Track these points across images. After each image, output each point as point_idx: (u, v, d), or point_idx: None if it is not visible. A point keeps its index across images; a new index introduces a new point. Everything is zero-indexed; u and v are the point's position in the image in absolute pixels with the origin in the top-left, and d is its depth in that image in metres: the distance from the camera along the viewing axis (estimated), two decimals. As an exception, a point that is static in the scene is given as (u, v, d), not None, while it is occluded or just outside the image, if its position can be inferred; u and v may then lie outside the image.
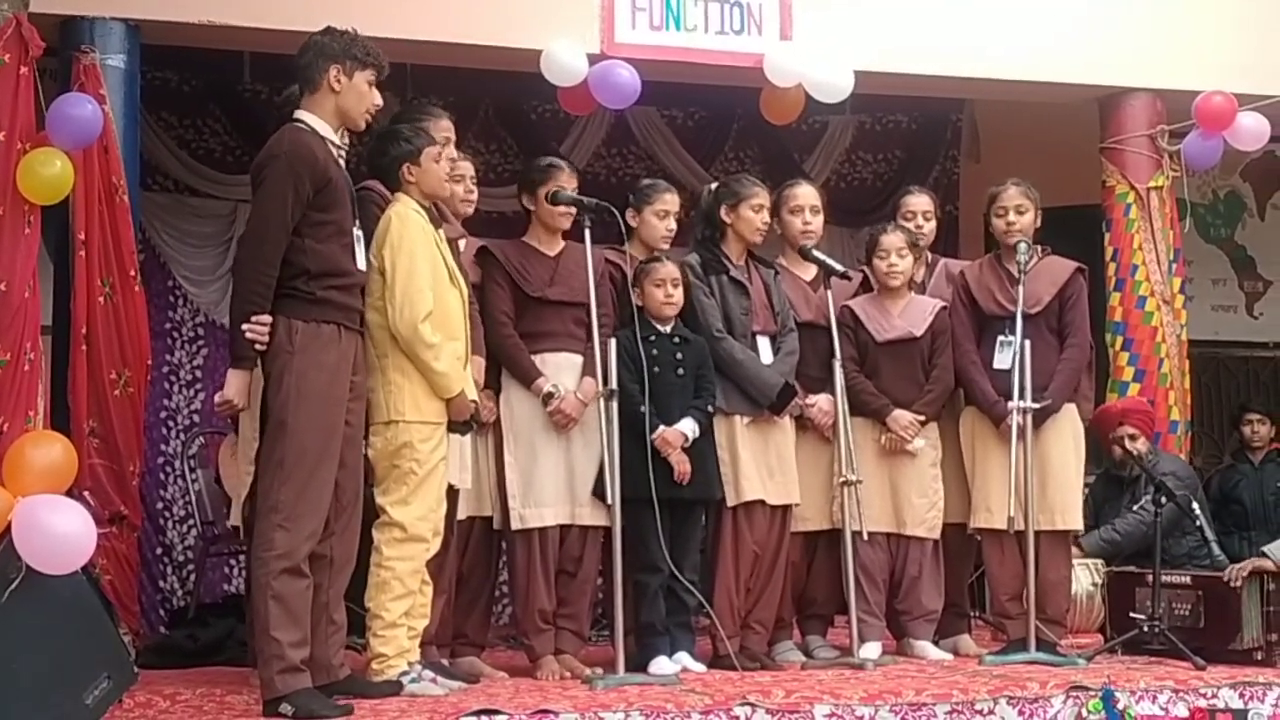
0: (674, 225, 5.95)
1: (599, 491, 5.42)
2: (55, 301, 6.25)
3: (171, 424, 8.02)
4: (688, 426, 5.60)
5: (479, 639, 5.69)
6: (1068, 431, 6.11)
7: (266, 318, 4.59)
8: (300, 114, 4.79)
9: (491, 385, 5.52)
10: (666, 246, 5.93)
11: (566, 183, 5.65)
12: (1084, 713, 4.98)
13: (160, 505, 7.88)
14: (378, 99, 4.88)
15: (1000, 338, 6.09)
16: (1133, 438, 7.10)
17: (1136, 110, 7.70)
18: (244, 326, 4.58)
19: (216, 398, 4.84)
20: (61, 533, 4.34)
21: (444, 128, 5.38)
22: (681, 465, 5.55)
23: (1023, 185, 6.18)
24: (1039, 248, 6.19)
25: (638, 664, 5.44)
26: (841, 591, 5.93)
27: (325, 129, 4.79)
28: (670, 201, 5.95)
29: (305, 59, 4.82)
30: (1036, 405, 5.86)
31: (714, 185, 6.20)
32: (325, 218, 4.70)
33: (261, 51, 7.32)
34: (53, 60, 6.28)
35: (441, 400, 4.97)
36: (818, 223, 6.15)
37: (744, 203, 5.94)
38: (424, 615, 5.05)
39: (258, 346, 4.60)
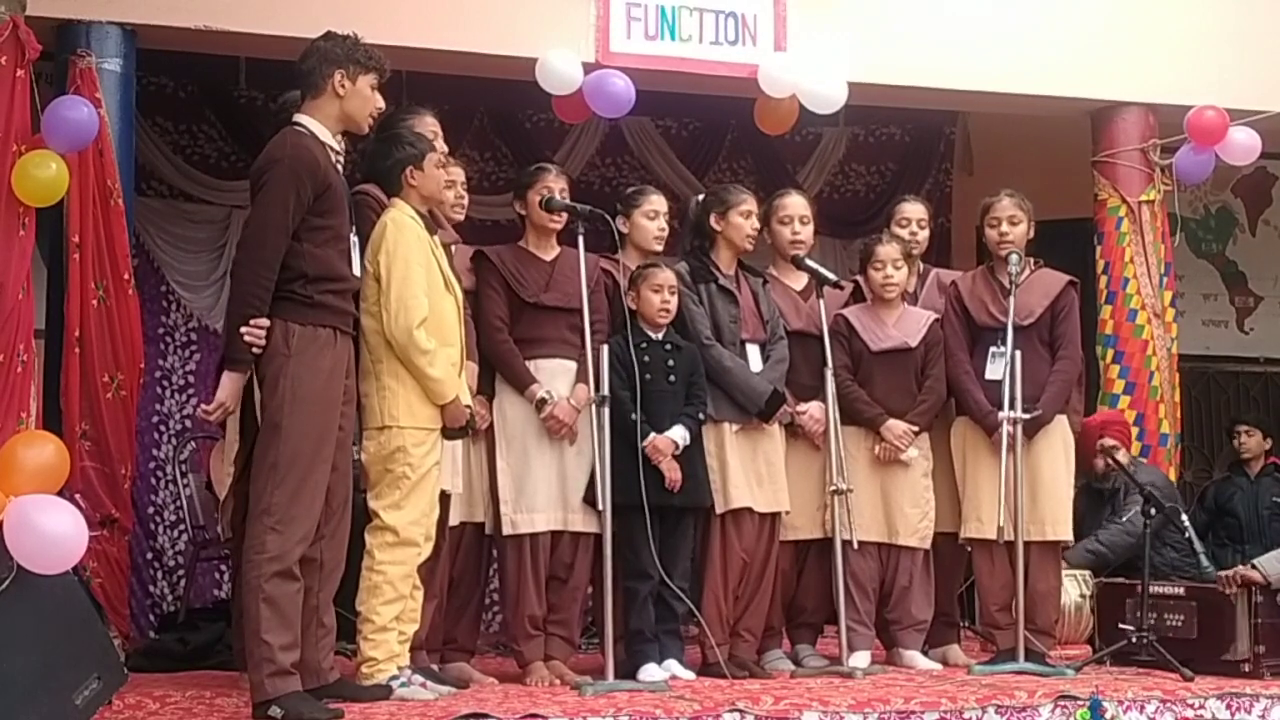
0: (665, 226, 5.97)
1: (590, 498, 5.43)
2: (49, 304, 6.26)
3: (163, 429, 8.03)
4: (678, 434, 5.61)
5: (469, 644, 5.70)
6: (1059, 443, 6.13)
7: (264, 321, 4.60)
8: (300, 118, 4.80)
9: (485, 391, 5.54)
10: (660, 248, 5.95)
11: (554, 183, 5.67)
12: (1072, 722, 5.01)
13: (151, 510, 7.88)
14: (380, 102, 4.90)
15: (992, 349, 6.11)
16: (1114, 449, 7.13)
17: (1129, 124, 7.73)
18: (242, 330, 4.58)
19: (203, 407, 4.82)
20: (53, 532, 4.34)
21: (429, 124, 5.42)
22: (672, 473, 5.56)
23: (1016, 196, 6.21)
24: (1031, 260, 6.22)
25: (627, 671, 5.45)
26: (831, 600, 5.93)
27: (325, 134, 4.80)
28: (658, 202, 5.98)
29: (308, 64, 4.83)
30: (1028, 416, 5.88)
31: (701, 196, 6.23)
32: (323, 223, 4.71)
33: (257, 58, 7.33)
34: (49, 64, 6.29)
35: (435, 406, 4.98)
36: (807, 232, 6.17)
37: (733, 210, 5.96)
38: (414, 620, 5.06)
39: (254, 350, 4.61)
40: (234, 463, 5.00)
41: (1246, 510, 8.35)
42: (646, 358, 5.64)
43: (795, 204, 6.20)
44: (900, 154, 9.47)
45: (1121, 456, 7.12)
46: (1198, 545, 6.49)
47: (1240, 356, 10.28)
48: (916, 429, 6.08)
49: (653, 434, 5.56)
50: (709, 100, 8.03)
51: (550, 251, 5.71)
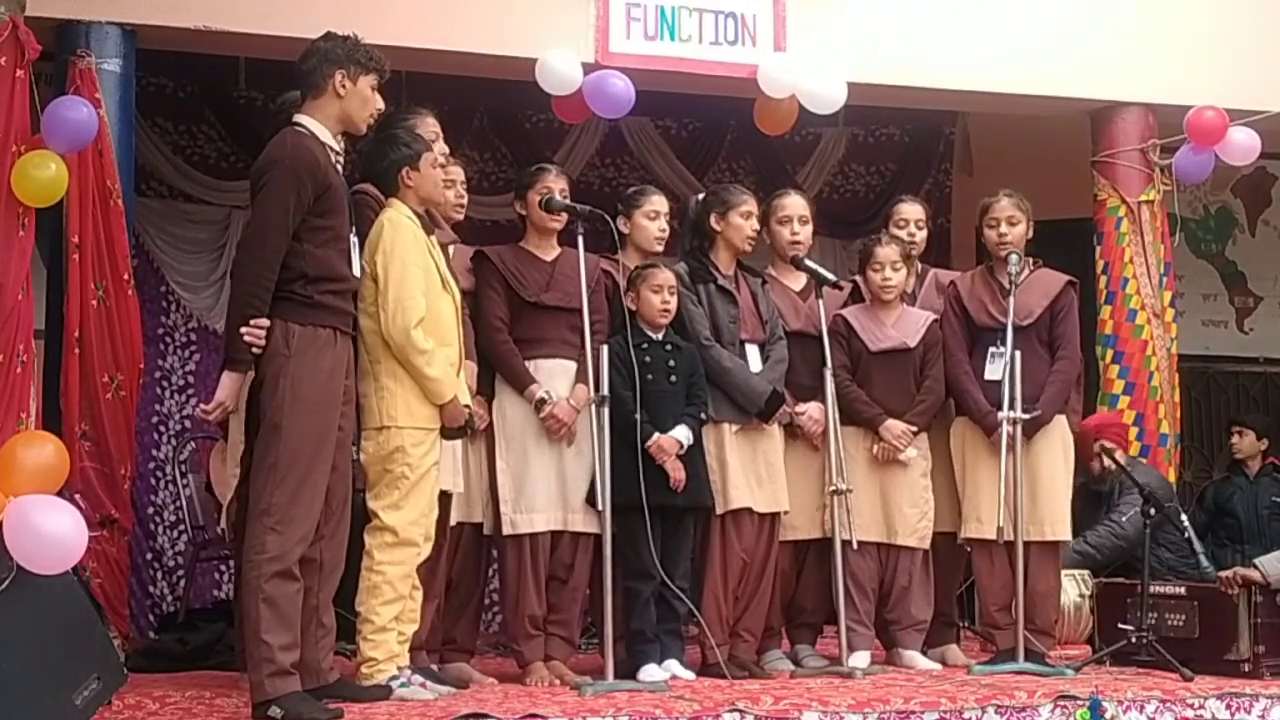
0: (665, 227, 5.98)
1: (591, 498, 5.43)
2: (49, 304, 6.26)
3: (163, 429, 8.03)
4: (682, 434, 5.61)
5: (468, 645, 5.70)
6: (1058, 443, 6.13)
7: (265, 321, 4.60)
8: (300, 118, 4.80)
9: (484, 391, 5.54)
10: (660, 248, 5.96)
11: (554, 183, 5.68)
12: (1071, 722, 5.01)
13: (151, 510, 7.88)
14: (380, 103, 4.91)
15: (991, 349, 6.11)
16: (1109, 451, 7.13)
17: (1128, 124, 7.73)
18: (242, 330, 4.58)
19: (202, 407, 4.82)
20: (53, 532, 4.34)
21: (430, 125, 5.42)
22: (677, 473, 5.57)
23: (1015, 196, 6.21)
24: (1030, 260, 6.22)
25: (627, 671, 5.45)
26: (831, 601, 5.94)
27: (324, 134, 4.80)
28: (659, 203, 5.99)
29: (309, 64, 4.83)
30: (1027, 416, 5.88)
31: (701, 195, 6.23)
32: (324, 223, 4.71)
33: (257, 58, 7.33)
34: (49, 64, 6.29)
35: (434, 406, 4.99)
36: (806, 233, 6.17)
37: (733, 210, 5.96)
38: (414, 620, 5.06)
39: (255, 350, 4.61)
40: (239, 463, 4.99)
41: (1246, 510, 8.36)
42: (647, 358, 5.64)
43: (794, 204, 6.20)
44: (900, 154, 9.47)
45: (1120, 457, 7.12)
46: (1197, 545, 6.50)
47: (1240, 356, 10.29)
48: (915, 429, 6.08)
49: (656, 434, 5.57)
50: (709, 100, 8.03)
51: (551, 252, 5.72)
